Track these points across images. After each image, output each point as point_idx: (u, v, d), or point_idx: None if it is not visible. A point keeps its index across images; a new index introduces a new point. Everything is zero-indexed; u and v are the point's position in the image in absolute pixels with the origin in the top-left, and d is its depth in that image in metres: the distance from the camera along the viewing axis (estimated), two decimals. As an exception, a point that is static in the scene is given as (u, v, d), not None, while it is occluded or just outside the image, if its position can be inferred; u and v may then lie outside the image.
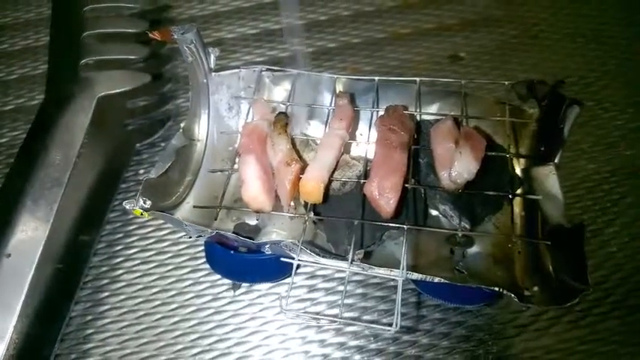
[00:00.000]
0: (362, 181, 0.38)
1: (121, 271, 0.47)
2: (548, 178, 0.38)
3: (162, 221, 0.48)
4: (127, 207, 0.36)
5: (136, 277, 0.46)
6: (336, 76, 0.44)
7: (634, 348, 0.42)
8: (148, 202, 0.36)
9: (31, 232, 0.41)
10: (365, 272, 0.34)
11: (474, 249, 0.41)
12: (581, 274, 0.33)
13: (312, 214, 0.37)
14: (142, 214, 0.36)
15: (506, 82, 0.41)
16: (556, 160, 0.38)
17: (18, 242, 0.40)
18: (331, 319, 0.40)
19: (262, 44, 0.62)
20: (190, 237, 0.44)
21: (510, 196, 0.38)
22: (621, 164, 0.51)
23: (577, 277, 0.33)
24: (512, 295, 0.33)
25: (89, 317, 0.45)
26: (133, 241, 0.48)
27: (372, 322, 0.42)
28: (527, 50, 0.60)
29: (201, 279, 0.46)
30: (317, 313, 0.42)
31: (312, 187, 0.36)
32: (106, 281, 0.46)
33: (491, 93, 0.46)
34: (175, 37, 0.40)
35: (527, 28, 0.62)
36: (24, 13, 0.64)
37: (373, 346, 0.43)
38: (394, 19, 0.63)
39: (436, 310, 0.44)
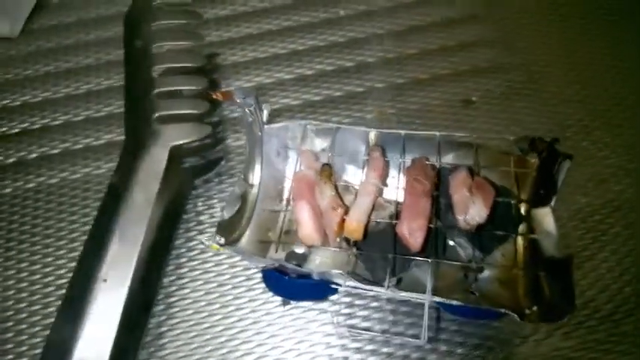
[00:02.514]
0: (394, 222, 0.47)
1: (187, 290, 0.55)
2: (546, 218, 0.46)
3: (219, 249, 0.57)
4: (206, 243, 0.45)
5: (201, 295, 0.55)
6: (369, 130, 0.53)
7: (616, 355, 0.51)
8: (222, 239, 0.45)
9: (123, 259, 0.49)
10: (398, 296, 0.43)
11: (484, 274, 0.50)
12: (570, 298, 0.41)
13: (354, 249, 0.47)
14: (218, 250, 0.45)
15: (511, 138, 0.50)
16: (552, 204, 0.47)
17: (112, 269, 0.49)
18: (375, 334, 0.48)
19: (298, 88, 0.71)
20: (255, 267, 0.53)
21: (514, 235, 0.46)
22: (610, 198, 0.60)
23: (566, 300, 0.42)
24: (515, 315, 0.41)
25: (163, 329, 0.54)
26: (195, 265, 0.57)
27: (400, 334, 0.51)
28: (530, 95, 0.68)
29: (256, 297, 0.55)
30: (362, 329, 0.51)
31: (355, 227, 0.45)
32: (175, 299, 0.55)
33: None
34: (238, 101, 0.49)
35: (530, 74, 0.70)
36: (103, 79, 0.74)
37: (400, 352, 0.51)
38: (414, 66, 0.72)
39: (454, 324, 0.52)
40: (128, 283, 0.49)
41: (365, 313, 0.53)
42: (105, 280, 0.49)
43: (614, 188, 0.61)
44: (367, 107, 0.68)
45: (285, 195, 0.55)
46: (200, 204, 0.61)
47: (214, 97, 0.52)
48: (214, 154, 0.63)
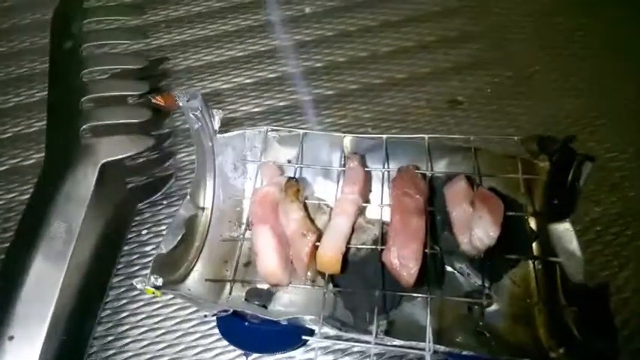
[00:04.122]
0: (379, 247, 0.37)
1: (127, 340, 0.45)
2: (566, 234, 0.37)
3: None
4: (139, 287, 0.35)
5: (144, 346, 0.45)
6: (343, 135, 0.43)
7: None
8: (160, 280, 0.35)
9: (35, 311, 0.39)
10: (390, 347, 0.33)
11: (492, 307, 0.40)
12: (611, 338, 0.32)
13: (330, 286, 0.37)
14: (154, 294, 0.35)
15: (515, 138, 0.41)
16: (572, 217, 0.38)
17: (21, 324, 0.38)
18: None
19: (260, 94, 0.62)
20: (206, 315, 0.43)
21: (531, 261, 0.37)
22: (626, 206, 0.51)
23: (606, 342, 0.32)
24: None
25: (97, 394, 0.43)
26: (139, 307, 0.47)
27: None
28: (523, 92, 0.60)
29: (211, 345, 0.45)
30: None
31: (330, 258, 0.35)
32: (112, 351, 0.45)
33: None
34: (181, 104, 0.40)
35: (520, 68, 0.62)
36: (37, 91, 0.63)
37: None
38: (390, 65, 0.63)
39: None
40: (41, 340, 0.38)
41: (348, 360, 0.43)
42: (11, 338, 0.38)
43: (629, 194, 0.52)
44: (339, 112, 0.59)
45: (245, 218, 0.45)
46: (145, 232, 0.51)
47: (155, 102, 0.42)
48: (163, 172, 0.53)
